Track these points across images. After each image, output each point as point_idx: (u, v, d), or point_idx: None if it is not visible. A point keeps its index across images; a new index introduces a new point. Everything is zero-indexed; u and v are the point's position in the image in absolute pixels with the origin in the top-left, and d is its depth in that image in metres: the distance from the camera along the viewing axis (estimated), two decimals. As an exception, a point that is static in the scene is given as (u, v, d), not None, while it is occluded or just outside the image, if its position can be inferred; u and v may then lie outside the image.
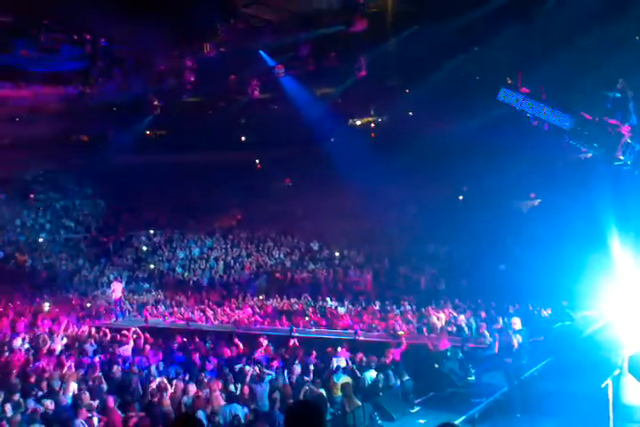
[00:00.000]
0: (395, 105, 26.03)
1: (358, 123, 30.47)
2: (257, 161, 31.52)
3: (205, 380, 12.22)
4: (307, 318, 17.92)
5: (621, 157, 13.33)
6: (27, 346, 15.96)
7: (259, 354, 14.24)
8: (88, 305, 21.74)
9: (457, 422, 8.92)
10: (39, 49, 22.27)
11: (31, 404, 10.64)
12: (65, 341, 16.61)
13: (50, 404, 10.82)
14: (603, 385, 8.81)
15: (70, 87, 26.21)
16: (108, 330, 17.73)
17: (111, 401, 10.30)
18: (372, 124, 30.36)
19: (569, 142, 15.66)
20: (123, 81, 27.62)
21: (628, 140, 13.37)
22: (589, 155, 16.15)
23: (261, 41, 23.30)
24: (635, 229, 14.92)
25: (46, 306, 21.30)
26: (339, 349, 13.83)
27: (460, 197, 24.87)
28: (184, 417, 4.00)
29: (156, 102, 26.61)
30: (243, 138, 31.11)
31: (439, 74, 20.40)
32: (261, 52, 25.14)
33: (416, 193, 24.51)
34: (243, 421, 10.46)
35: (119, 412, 10.31)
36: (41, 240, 29.00)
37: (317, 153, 26.54)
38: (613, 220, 14.98)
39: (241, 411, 10.71)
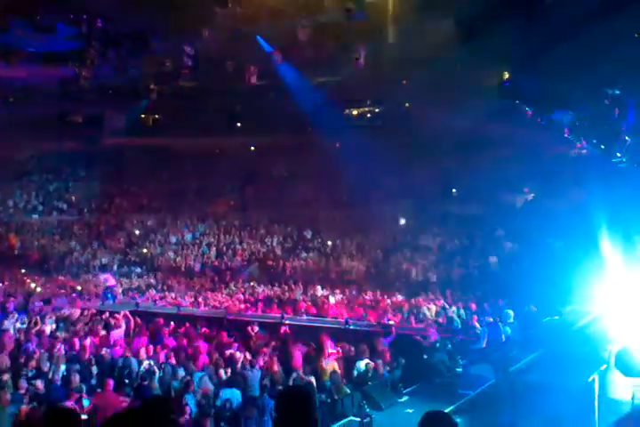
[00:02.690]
0: (392, 96, 26.00)
1: (355, 112, 30.41)
2: (252, 148, 31.45)
3: (195, 365, 12.31)
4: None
5: (618, 154, 13.41)
6: (17, 327, 15.97)
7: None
8: (79, 288, 21.73)
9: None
10: (35, 28, 22.05)
11: (23, 384, 10.69)
12: (55, 322, 16.63)
13: (40, 384, 10.89)
14: (589, 379, 8.93)
15: (66, 68, 26.02)
16: (98, 313, 17.74)
17: (110, 384, 10.34)
18: (369, 115, 30.32)
19: (565, 138, 15.74)
20: (119, 63, 27.43)
21: (626, 138, 13.45)
22: (585, 151, 16.22)
23: (259, 27, 23.17)
24: (625, 226, 15.04)
25: (37, 287, 21.29)
26: (329, 337, 13.91)
27: (454, 190, 24.93)
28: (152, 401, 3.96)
29: (152, 86, 26.47)
30: (238, 124, 31.00)
31: (437, 66, 20.37)
32: (259, 38, 25.01)
33: (410, 184, 24.55)
34: (232, 406, 10.54)
35: (113, 395, 10.35)
36: (33, 222, 28.91)
37: (313, 141, 26.52)
38: (605, 216, 15.08)
39: (231, 396, 10.79)
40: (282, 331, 15.27)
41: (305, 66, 25.43)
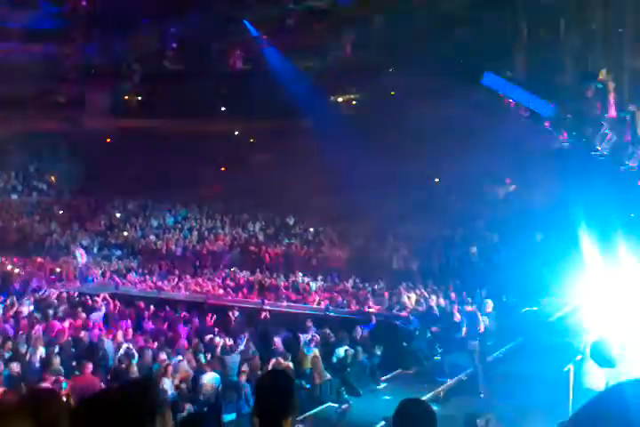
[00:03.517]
0: (377, 83, 25.95)
1: (340, 99, 30.34)
2: (236, 132, 31.28)
3: (175, 349, 12.30)
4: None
5: (599, 148, 13.52)
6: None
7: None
8: (58, 270, 21.55)
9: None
10: (16, 3, 21.65)
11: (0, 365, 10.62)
12: (33, 304, 16.50)
13: (16, 366, 10.81)
14: (565, 369, 9.06)
15: (49, 46, 25.66)
16: (78, 295, 17.64)
17: (89, 367, 10.29)
18: (353, 102, 30.27)
19: (548, 130, 15.85)
20: (103, 43, 27.07)
21: (606, 131, 13.56)
22: (567, 143, 16.33)
23: (246, 10, 23.00)
24: (604, 219, 15.19)
25: (16, 268, 21.10)
26: (309, 323, 13.97)
27: (436, 180, 25.01)
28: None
29: (136, 67, 26.22)
30: (223, 108, 30.80)
31: (423, 55, 20.38)
32: (245, 22, 24.81)
33: (393, 172, 24.58)
34: (211, 390, 10.57)
35: (91, 377, 10.31)
36: (12, 202, 28.57)
37: (297, 127, 26.43)
38: (585, 209, 15.22)
39: (210, 380, 10.81)
40: (262, 316, 15.28)
41: (291, 51, 25.29)
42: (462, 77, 19.99)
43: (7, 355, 11.73)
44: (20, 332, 13.26)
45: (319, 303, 16.66)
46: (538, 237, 18.93)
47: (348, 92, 30.34)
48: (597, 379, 8.60)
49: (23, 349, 12.08)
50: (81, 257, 21.30)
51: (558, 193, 17.51)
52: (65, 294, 17.71)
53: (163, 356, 11.57)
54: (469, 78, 19.29)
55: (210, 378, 10.84)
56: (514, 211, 20.98)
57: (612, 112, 13.27)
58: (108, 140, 31.15)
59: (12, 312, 15.29)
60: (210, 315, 15.35)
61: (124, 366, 11.14)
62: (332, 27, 22.60)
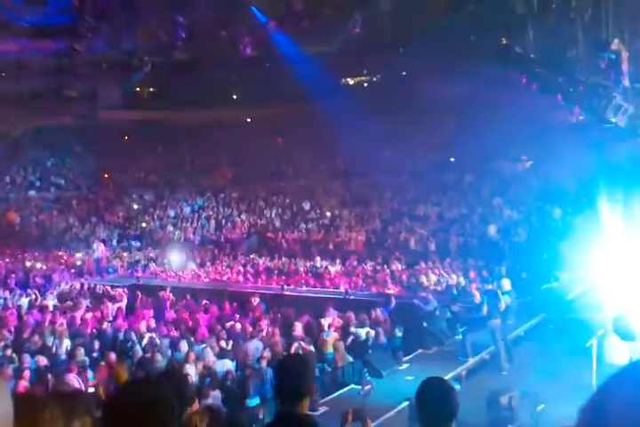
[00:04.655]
0: (388, 64, 25.74)
1: (351, 82, 30.16)
2: (248, 119, 31.26)
3: (196, 337, 12.42)
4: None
5: (612, 120, 13.26)
6: (19, 302, 16.07)
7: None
8: (79, 263, 21.80)
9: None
10: (25, 1, 21.68)
11: (27, 358, 10.78)
12: (57, 297, 16.73)
13: (43, 359, 10.98)
14: (587, 344, 9.02)
15: (58, 42, 25.69)
16: (99, 287, 17.84)
17: (112, 357, 10.42)
18: (366, 84, 30.08)
19: (561, 104, 15.61)
20: (112, 36, 27.06)
21: (620, 102, 13.28)
22: (581, 117, 16.06)
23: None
24: (624, 193, 15.00)
25: (38, 263, 21.37)
26: (329, 307, 14.03)
27: (452, 159, 24.83)
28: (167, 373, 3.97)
29: (146, 59, 26.19)
30: (234, 96, 30.77)
31: (433, 33, 20.12)
32: (253, 8, 24.63)
33: (408, 153, 24.46)
34: (233, 376, 10.66)
35: (117, 368, 10.43)
36: (31, 198, 28.87)
37: (310, 112, 26.32)
38: (603, 183, 15.04)
39: (232, 367, 10.91)
40: (282, 302, 15.36)
41: (300, 35, 25.10)
42: (474, 54, 19.74)
43: (33, 348, 11.92)
44: (46, 325, 13.46)
45: (339, 287, 16.70)
46: (557, 212, 18.76)
47: (360, 74, 30.15)
48: (620, 353, 8.57)
49: (49, 342, 12.26)
50: (98, 250, 21.45)
51: (576, 167, 17.30)
52: (87, 287, 17.93)
53: (185, 344, 11.69)
54: (481, 54, 19.04)
55: (232, 365, 10.94)
56: (531, 187, 20.80)
57: (626, 82, 13.00)
58: (122, 132, 31.29)
59: (36, 306, 15.54)
60: (230, 302, 15.46)
61: (148, 355, 11.27)
62: (340, 9, 22.36)
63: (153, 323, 13.85)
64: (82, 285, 18.23)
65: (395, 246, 20.23)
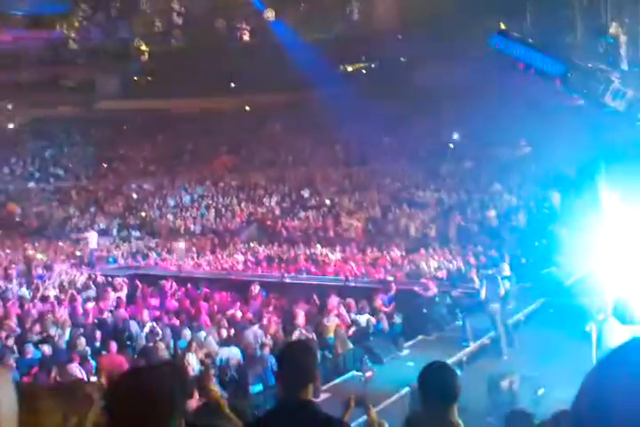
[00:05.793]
0: (387, 51, 25.62)
1: (349, 69, 30.03)
2: (247, 107, 31.15)
3: (198, 325, 12.45)
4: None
5: (611, 104, 13.23)
6: (21, 293, 16.10)
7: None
8: (78, 253, 21.81)
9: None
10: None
11: (29, 348, 10.81)
12: (58, 287, 16.75)
13: (47, 348, 11.01)
14: (587, 329, 9.04)
15: (54, 31, 25.58)
16: (100, 277, 17.86)
17: (114, 346, 10.44)
18: (364, 71, 29.96)
19: (559, 89, 15.56)
20: (108, 25, 26.93)
21: (619, 86, 13.24)
22: (581, 101, 16.02)
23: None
24: (623, 177, 14.97)
25: (38, 254, 21.38)
26: (330, 294, 14.05)
27: (451, 145, 24.78)
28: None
29: (142, 47, 26.10)
30: (232, 84, 30.64)
31: (432, 18, 20.05)
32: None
33: (407, 140, 24.42)
34: (235, 364, 10.70)
35: (117, 357, 10.47)
36: (30, 189, 28.86)
37: (308, 99, 26.26)
38: (602, 167, 15.00)
39: (234, 354, 10.95)
40: (283, 289, 15.39)
41: (299, 23, 24.99)
42: (472, 39, 19.66)
43: (36, 338, 11.95)
44: (48, 315, 13.48)
45: (339, 274, 16.73)
46: (556, 197, 18.75)
47: (358, 61, 30.01)
48: (620, 337, 8.59)
49: (52, 331, 12.28)
50: (92, 241, 21.10)
51: (575, 152, 17.26)
52: (88, 276, 17.95)
53: (186, 332, 11.72)
54: (479, 39, 18.96)
55: (234, 352, 10.97)
56: (530, 173, 20.78)
57: (625, 66, 12.95)
58: (121, 122, 31.21)
59: (38, 296, 15.56)
60: (231, 290, 15.49)
61: (150, 344, 11.30)
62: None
63: (154, 312, 13.89)
64: (82, 274, 18.25)
65: (394, 233, 20.25)
